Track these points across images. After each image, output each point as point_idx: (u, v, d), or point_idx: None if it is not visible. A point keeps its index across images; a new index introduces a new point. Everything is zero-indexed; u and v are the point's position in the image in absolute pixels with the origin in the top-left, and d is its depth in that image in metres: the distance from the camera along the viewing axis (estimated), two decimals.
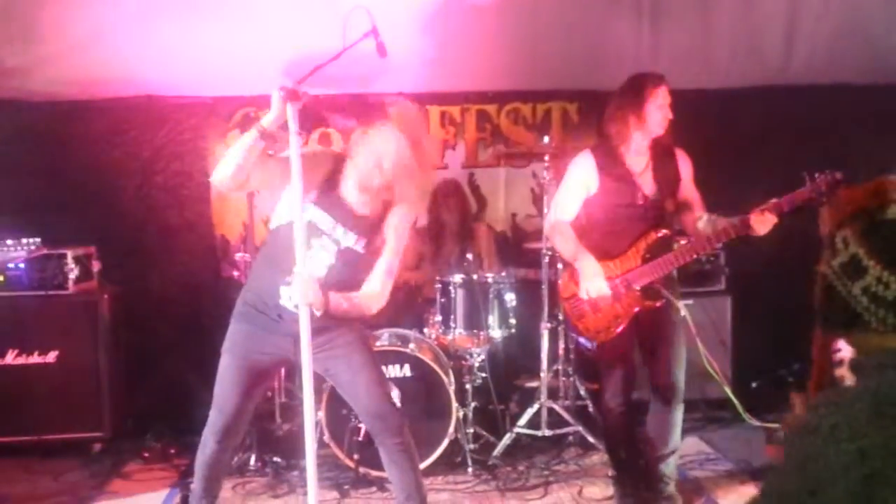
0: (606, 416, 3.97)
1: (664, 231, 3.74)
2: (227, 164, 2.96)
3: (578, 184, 3.78)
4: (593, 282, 3.65)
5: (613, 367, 3.83)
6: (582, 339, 3.90)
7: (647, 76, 3.70)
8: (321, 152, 3.22)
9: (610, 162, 3.72)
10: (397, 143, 3.05)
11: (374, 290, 3.16)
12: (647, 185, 3.72)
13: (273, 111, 2.95)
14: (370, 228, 3.17)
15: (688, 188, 3.83)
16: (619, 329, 3.73)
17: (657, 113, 3.64)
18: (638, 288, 3.69)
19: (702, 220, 3.74)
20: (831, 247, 1.32)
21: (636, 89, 3.66)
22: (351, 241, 3.14)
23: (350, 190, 3.13)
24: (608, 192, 3.72)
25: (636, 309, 3.71)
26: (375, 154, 3.04)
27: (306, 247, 3.00)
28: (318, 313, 2.96)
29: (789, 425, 1.24)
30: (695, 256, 3.70)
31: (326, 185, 3.14)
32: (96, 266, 5.10)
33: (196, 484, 3.32)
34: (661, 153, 3.76)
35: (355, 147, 3.14)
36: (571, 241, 3.76)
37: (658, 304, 3.70)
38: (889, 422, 1.14)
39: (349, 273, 3.13)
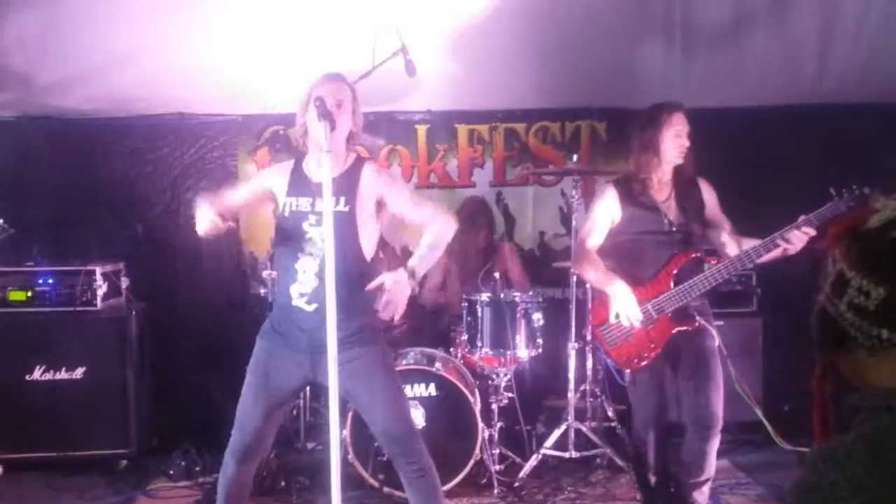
0: (637, 444, 3.92)
1: (695, 253, 3.70)
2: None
3: (603, 215, 3.77)
4: (625, 305, 3.59)
5: (646, 396, 3.78)
6: (613, 368, 3.85)
7: (662, 105, 3.71)
8: (283, 162, 3.35)
9: (633, 193, 3.73)
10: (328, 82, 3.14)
11: (435, 214, 3.26)
12: (672, 212, 3.71)
13: (201, 219, 3.02)
14: (344, 186, 3.16)
15: (715, 214, 3.81)
16: (653, 355, 3.67)
17: (672, 141, 3.64)
18: (670, 312, 3.64)
19: (734, 242, 3.71)
20: (827, 273, 1.28)
21: (651, 120, 3.69)
22: (332, 204, 3.12)
23: (313, 165, 3.20)
24: (633, 220, 3.71)
25: (670, 333, 3.65)
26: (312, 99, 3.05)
27: (301, 232, 3.11)
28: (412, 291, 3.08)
29: (791, 485, 1.18)
30: (727, 277, 3.62)
31: (294, 175, 3.24)
32: (125, 282, 5.14)
33: (219, 501, 3.29)
34: (684, 182, 3.75)
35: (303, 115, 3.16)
36: (599, 268, 3.72)
37: (692, 326, 3.64)
38: (888, 473, 1.07)
39: (340, 237, 3.06)
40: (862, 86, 5.26)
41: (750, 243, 3.61)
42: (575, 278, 4.73)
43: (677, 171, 3.72)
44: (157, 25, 4.74)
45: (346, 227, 3.17)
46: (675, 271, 3.65)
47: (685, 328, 3.65)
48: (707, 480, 3.77)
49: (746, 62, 5.10)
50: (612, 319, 3.63)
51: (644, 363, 3.69)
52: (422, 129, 5.71)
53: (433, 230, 3.21)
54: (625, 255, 3.76)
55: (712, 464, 3.75)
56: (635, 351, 3.69)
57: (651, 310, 3.63)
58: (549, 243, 5.75)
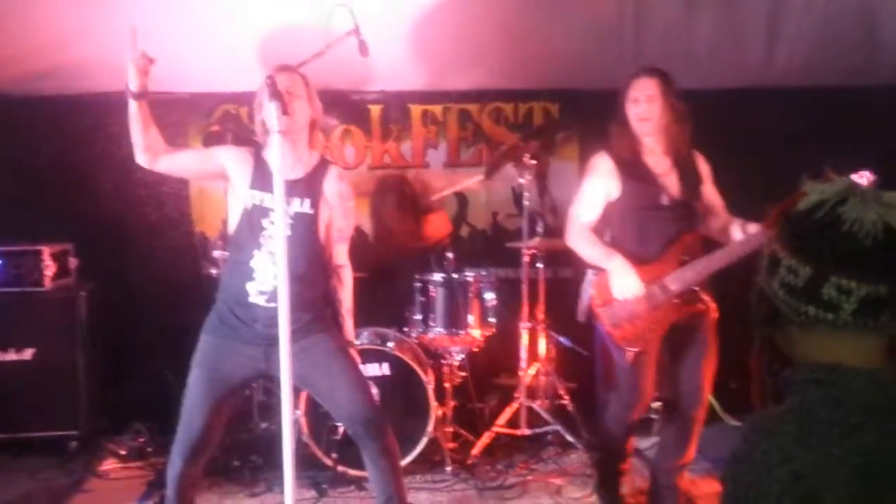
0: (611, 425, 3.71)
1: (700, 233, 3.58)
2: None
3: (598, 189, 3.56)
4: (625, 280, 3.38)
5: (640, 381, 3.55)
6: (613, 347, 3.55)
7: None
8: (243, 148, 3.33)
9: (628, 160, 3.52)
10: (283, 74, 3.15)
11: (346, 260, 3.41)
12: (673, 186, 3.51)
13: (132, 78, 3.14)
14: (308, 188, 3.23)
15: (710, 191, 3.66)
16: (657, 337, 3.48)
17: (630, 108, 3.52)
18: (675, 291, 3.43)
19: (732, 224, 3.52)
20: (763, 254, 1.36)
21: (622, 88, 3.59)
22: (297, 205, 3.19)
23: (275, 159, 3.04)
24: (631, 194, 3.49)
25: (676, 315, 3.48)
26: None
27: (259, 228, 3.13)
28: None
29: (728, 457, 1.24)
30: (734, 259, 3.36)
31: (256, 167, 3.22)
32: (74, 263, 5.08)
33: (169, 493, 3.27)
34: (682, 155, 3.58)
35: (259, 102, 3.17)
36: (596, 244, 3.52)
37: (698, 309, 3.50)
38: (816, 440, 1.14)
39: (303, 238, 3.19)
40: (810, 70, 5.35)
41: (749, 227, 3.41)
42: (527, 258, 4.78)
43: (671, 142, 3.55)
44: (104, 1, 4.65)
45: (309, 229, 3.22)
46: (682, 250, 3.47)
47: (691, 309, 3.50)
48: (687, 464, 3.71)
49: (695, 44, 5.16)
50: (615, 295, 3.42)
51: (647, 344, 3.49)
52: (375, 110, 5.69)
53: (347, 292, 3.40)
54: (624, 232, 3.54)
55: (693, 447, 3.67)
56: (639, 331, 3.47)
57: (657, 290, 3.44)
58: (502, 223, 5.79)
